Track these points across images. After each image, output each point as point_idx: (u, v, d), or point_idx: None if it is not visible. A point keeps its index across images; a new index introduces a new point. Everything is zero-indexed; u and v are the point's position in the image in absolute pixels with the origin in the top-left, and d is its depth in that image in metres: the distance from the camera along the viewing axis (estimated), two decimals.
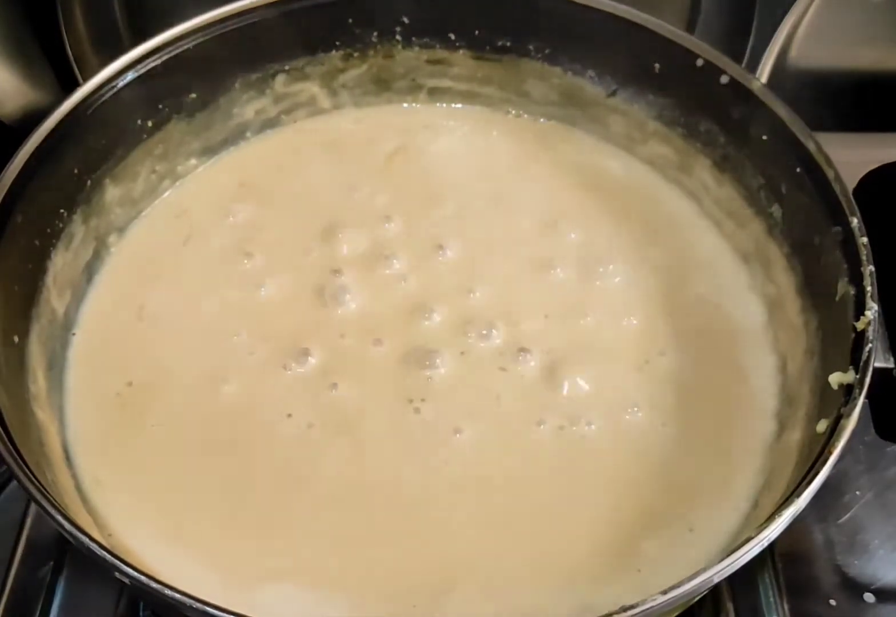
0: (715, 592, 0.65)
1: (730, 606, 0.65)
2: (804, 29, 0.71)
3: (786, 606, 0.65)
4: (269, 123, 0.84)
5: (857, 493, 0.69)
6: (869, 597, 0.65)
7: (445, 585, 0.60)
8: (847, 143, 0.77)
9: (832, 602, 0.65)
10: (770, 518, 0.50)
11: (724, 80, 0.72)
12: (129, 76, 0.72)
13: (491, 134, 0.85)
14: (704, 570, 0.48)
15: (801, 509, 0.51)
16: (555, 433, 0.66)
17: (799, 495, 0.51)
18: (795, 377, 0.67)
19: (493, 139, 0.85)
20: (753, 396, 0.69)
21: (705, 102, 0.75)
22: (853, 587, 0.65)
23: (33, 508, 0.69)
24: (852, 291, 0.61)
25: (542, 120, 0.85)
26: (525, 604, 0.59)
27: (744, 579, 0.65)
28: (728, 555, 0.49)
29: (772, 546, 0.63)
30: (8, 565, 0.67)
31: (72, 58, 0.89)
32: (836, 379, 0.59)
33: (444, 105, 0.86)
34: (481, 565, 0.61)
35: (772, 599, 0.65)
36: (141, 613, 0.68)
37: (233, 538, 0.62)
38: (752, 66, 0.88)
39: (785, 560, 0.66)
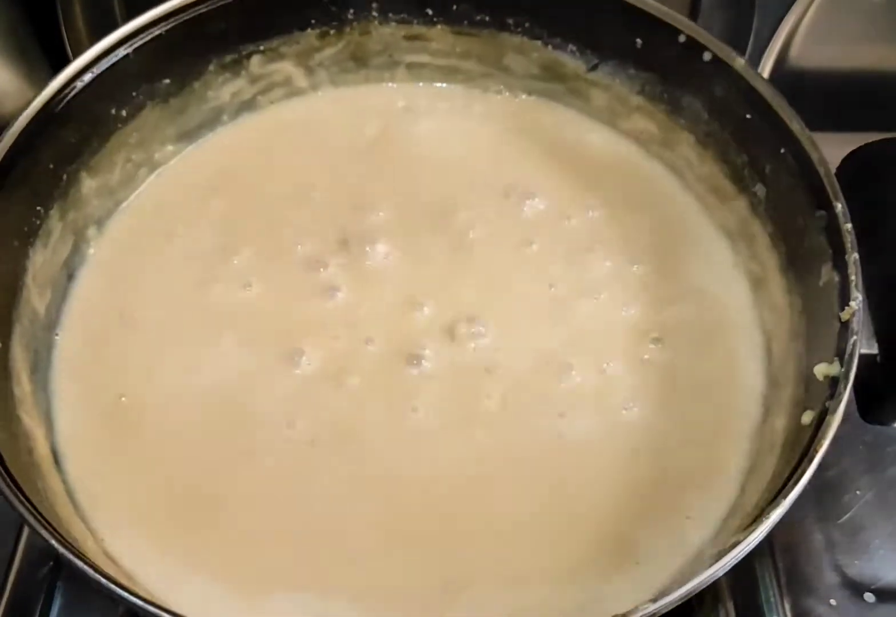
0: (715, 592, 0.65)
1: (730, 606, 0.65)
2: (804, 29, 0.71)
3: (786, 606, 0.65)
4: (246, 106, 0.82)
5: (858, 493, 0.68)
6: (869, 597, 0.65)
7: (453, 586, 0.60)
8: (847, 143, 0.77)
9: (832, 602, 0.65)
10: (757, 520, 0.51)
11: (706, 57, 0.71)
12: (101, 66, 0.70)
13: (472, 113, 0.83)
14: (689, 579, 0.49)
15: (787, 508, 0.51)
16: (548, 428, 0.66)
17: (786, 496, 0.51)
18: (780, 358, 0.67)
19: (474, 118, 0.83)
20: (741, 376, 0.69)
21: (688, 79, 0.74)
22: (853, 587, 0.65)
23: None
24: (836, 278, 0.61)
25: (523, 96, 0.84)
26: (530, 602, 0.60)
27: (744, 579, 0.65)
28: (716, 560, 0.50)
29: (772, 546, 0.65)
30: (8, 565, 0.67)
31: (72, 58, 0.86)
32: (821, 370, 0.59)
33: (423, 84, 0.84)
34: (487, 566, 0.61)
35: (772, 599, 0.65)
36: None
37: (236, 549, 0.62)
38: (752, 67, 0.86)
39: (785, 560, 0.66)
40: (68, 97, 0.69)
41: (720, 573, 0.50)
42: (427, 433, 0.66)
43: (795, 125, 0.66)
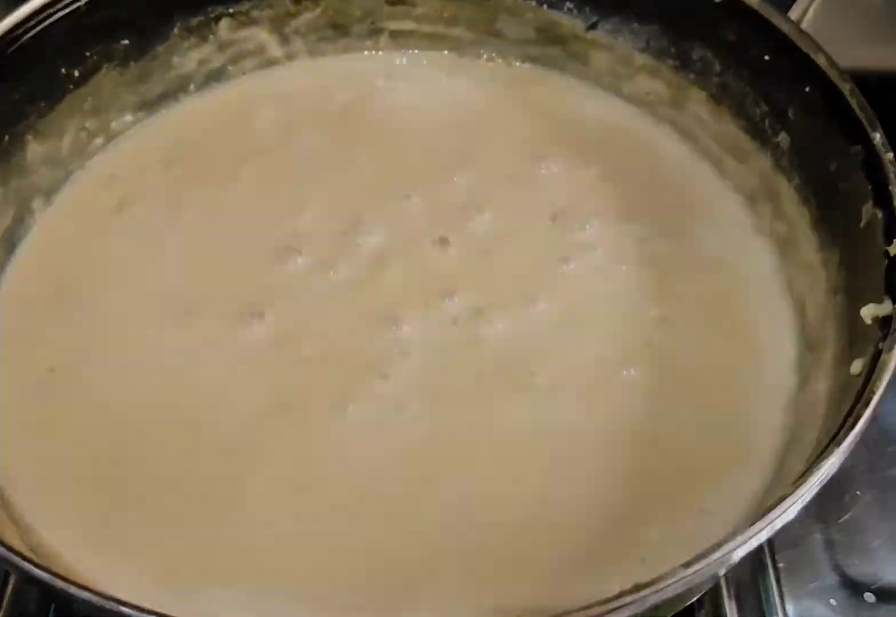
0: (715, 593, 0.61)
1: (730, 606, 0.61)
2: (804, 29, 0.67)
3: (786, 606, 0.62)
4: (215, 75, 0.76)
5: (858, 493, 0.67)
6: (869, 597, 0.63)
7: (416, 581, 0.53)
8: None
9: (832, 602, 0.63)
10: (808, 471, 0.42)
11: None
12: (48, 18, 0.65)
13: (460, 82, 0.77)
14: (733, 536, 0.40)
15: (843, 459, 0.43)
16: (538, 412, 0.59)
17: (839, 444, 0.43)
18: (817, 320, 0.60)
19: (461, 87, 0.77)
20: (768, 349, 0.62)
21: (698, 26, 0.69)
22: (853, 587, 0.64)
23: None
24: (880, 214, 0.54)
25: (516, 63, 0.78)
26: (506, 601, 0.52)
27: (744, 580, 0.63)
28: (760, 517, 0.41)
29: (772, 546, 0.64)
30: None
31: None
32: (869, 312, 0.52)
33: (408, 51, 0.78)
34: (459, 559, 0.53)
35: (772, 600, 0.62)
36: None
37: (170, 538, 0.55)
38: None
39: (785, 560, 0.64)
40: (9, 50, 0.63)
41: (762, 538, 0.41)
42: (397, 410, 0.59)
43: (822, 59, 0.60)
